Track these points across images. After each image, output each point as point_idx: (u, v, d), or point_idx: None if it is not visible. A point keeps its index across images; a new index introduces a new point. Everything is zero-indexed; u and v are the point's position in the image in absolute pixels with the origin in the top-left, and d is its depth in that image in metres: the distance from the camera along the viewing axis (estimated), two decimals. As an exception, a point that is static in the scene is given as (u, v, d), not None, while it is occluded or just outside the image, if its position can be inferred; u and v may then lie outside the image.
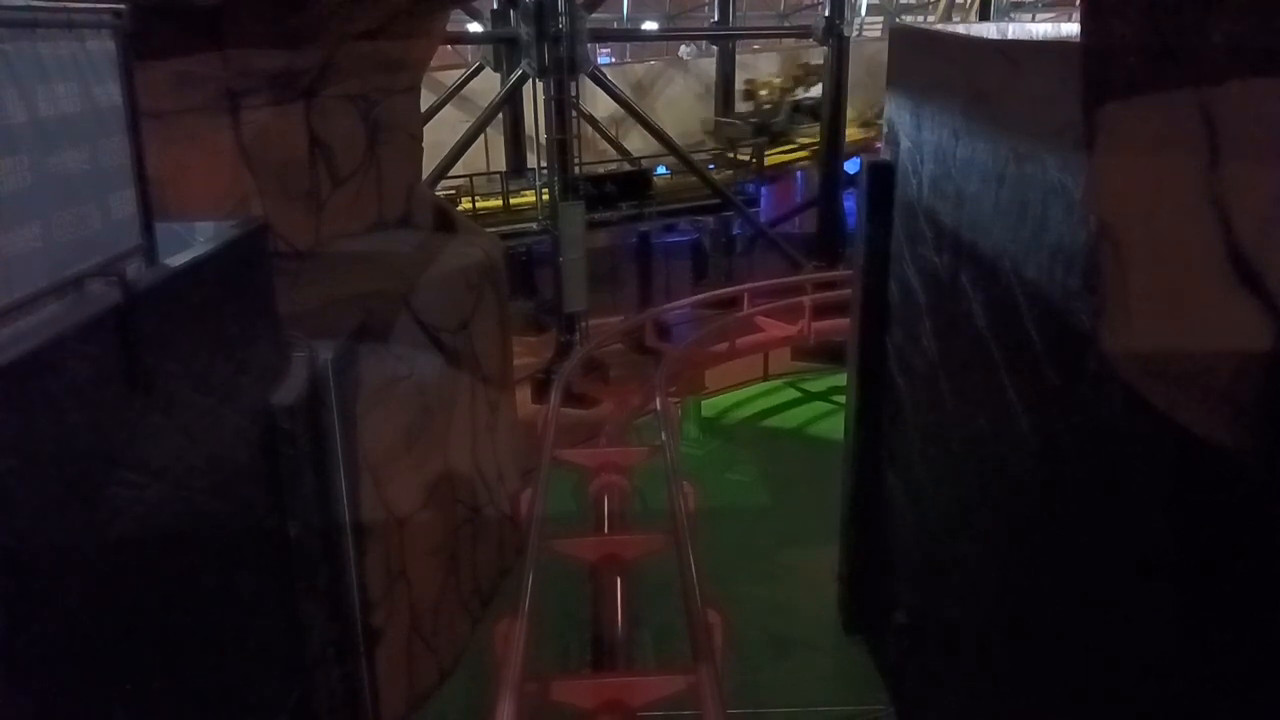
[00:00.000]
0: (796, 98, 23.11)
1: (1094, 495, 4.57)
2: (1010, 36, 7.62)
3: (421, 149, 11.30)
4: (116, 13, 4.75)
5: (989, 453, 6.00)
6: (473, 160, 18.74)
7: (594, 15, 19.04)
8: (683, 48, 27.35)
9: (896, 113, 8.02)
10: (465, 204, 17.75)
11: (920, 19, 30.35)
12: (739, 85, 23.74)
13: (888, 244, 8.23)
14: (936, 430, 7.14)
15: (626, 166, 20.26)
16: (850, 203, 20.32)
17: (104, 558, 4.38)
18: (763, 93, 22.49)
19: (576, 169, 16.65)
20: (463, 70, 20.90)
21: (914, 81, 7.63)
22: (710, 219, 21.30)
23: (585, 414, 13.49)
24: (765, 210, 23.96)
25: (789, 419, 15.75)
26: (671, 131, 20.26)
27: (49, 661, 3.98)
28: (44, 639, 3.95)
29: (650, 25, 29.62)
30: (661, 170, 21.29)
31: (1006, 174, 5.50)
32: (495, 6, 19.19)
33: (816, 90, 22.70)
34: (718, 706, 5.43)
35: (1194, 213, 3.61)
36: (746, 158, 20.97)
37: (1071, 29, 7.07)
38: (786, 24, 29.91)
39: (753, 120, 22.21)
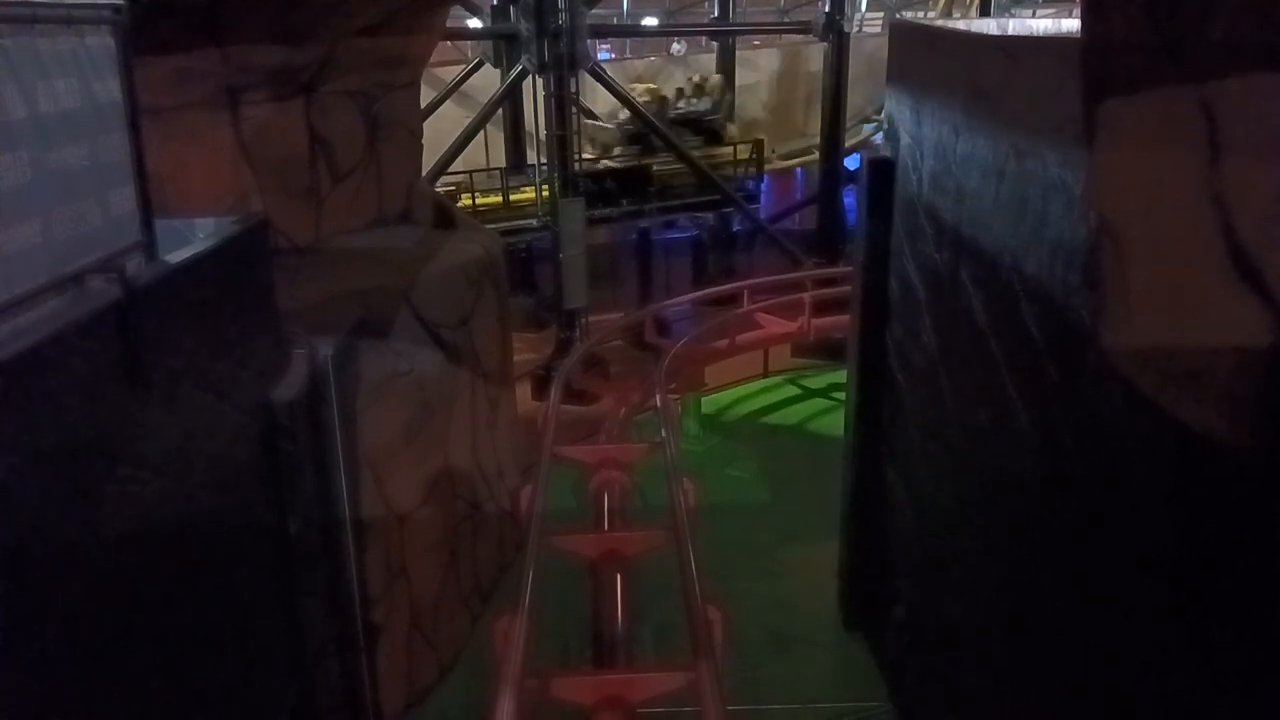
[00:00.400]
0: (680, 110, 21.74)
1: (1094, 492, 4.57)
2: (1010, 32, 7.62)
3: (421, 145, 11.30)
4: (116, 8, 4.74)
5: (989, 449, 6.00)
6: (473, 156, 18.73)
7: (594, 11, 19.01)
8: (674, 44, 27.16)
9: (897, 109, 8.02)
10: (465, 200, 17.74)
11: (920, 15, 30.30)
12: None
13: (888, 240, 8.23)
14: (936, 427, 7.14)
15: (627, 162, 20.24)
16: (850, 199, 20.32)
17: (103, 555, 4.38)
18: (643, 99, 20.72)
19: (576, 165, 16.65)
20: (463, 66, 20.88)
21: (914, 78, 7.62)
22: (710, 215, 21.28)
23: (585, 410, 13.49)
24: (765, 206, 23.96)
25: (789, 415, 15.75)
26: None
27: (49, 661, 3.98)
28: (44, 638, 3.94)
29: (650, 21, 29.61)
30: None
31: (1006, 170, 5.50)
32: (495, 2, 19.18)
33: (702, 104, 21.71)
34: (718, 703, 5.43)
35: (1194, 209, 3.60)
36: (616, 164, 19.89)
37: (1072, 25, 7.07)
38: (786, 20, 29.86)
39: (627, 128, 20.81)
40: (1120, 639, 4.41)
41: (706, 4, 27.22)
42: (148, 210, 5.05)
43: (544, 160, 17.28)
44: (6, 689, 3.71)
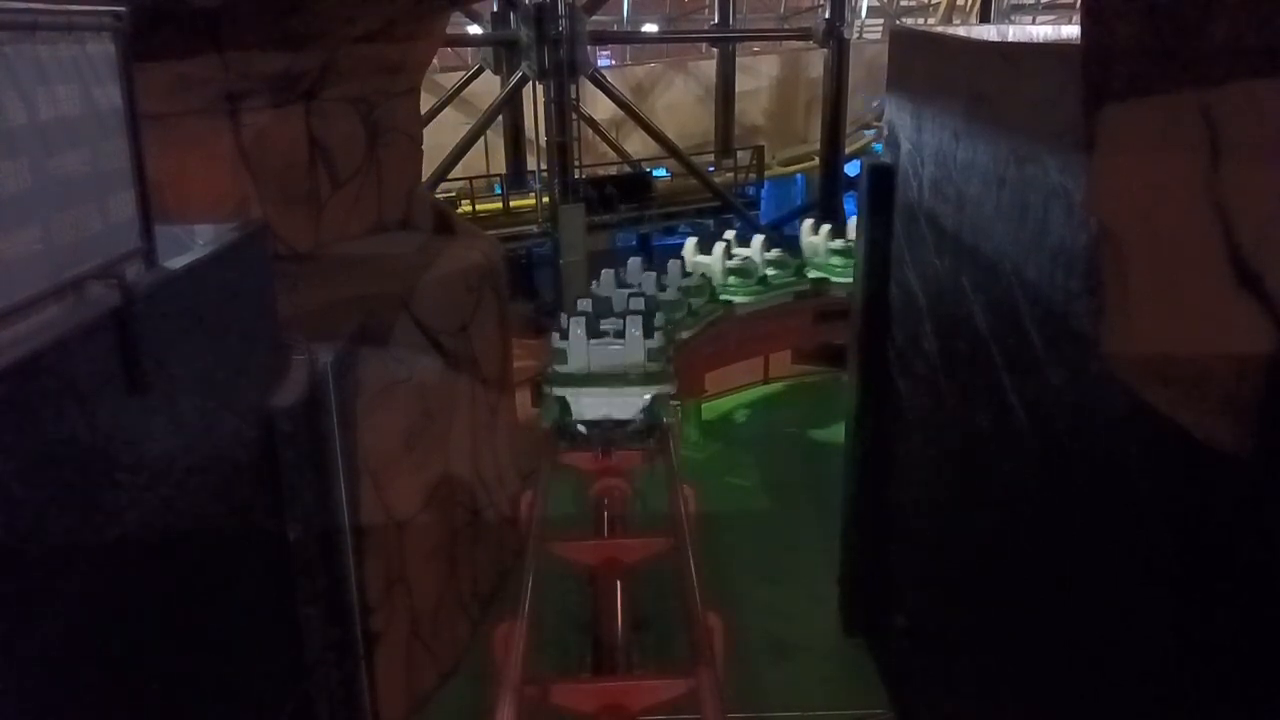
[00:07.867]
0: None
1: (1095, 498, 4.56)
2: (1011, 39, 7.62)
3: (421, 151, 11.31)
4: (117, 15, 4.74)
5: (989, 455, 5.99)
6: (472, 163, 18.75)
7: (594, 18, 19.04)
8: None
9: (897, 115, 8.02)
10: (465, 207, 17.75)
11: (921, 21, 30.35)
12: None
13: (888, 246, 8.23)
14: (937, 433, 7.13)
15: (627, 169, 20.27)
16: (851, 205, 20.33)
17: (104, 560, 4.37)
18: None
19: (577, 171, 16.66)
20: (463, 73, 20.91)
21: (914, 84, 7.63)
22: (710, 221, 21.30)
23: (585, 416, 13.44)
24: (766, 212, 23.97)
25: (789, 422, 15.74)
26: (672, 134, 20.29)
27: (49, 662, 3.97)
28: (44, 639, 3.94)
29: (650, 27, 29.65)
30: (661, 173, 21.28)
31: (1007, 176, 5.50)
32: (495, 9, 19.22)
33: None
34: (717, 710, 5.42)
35: (1195, 214, 3.60)
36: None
37: (1071, 31, 7.07)
38: (786, 26, 29.91)
39: None
40: (1122, 645, 4.39)
41: (707, 10, 27.27)
42: (148, 216, 5.04)
43: (544, 167, 17.30)
44: (6, 690, 3.71)
